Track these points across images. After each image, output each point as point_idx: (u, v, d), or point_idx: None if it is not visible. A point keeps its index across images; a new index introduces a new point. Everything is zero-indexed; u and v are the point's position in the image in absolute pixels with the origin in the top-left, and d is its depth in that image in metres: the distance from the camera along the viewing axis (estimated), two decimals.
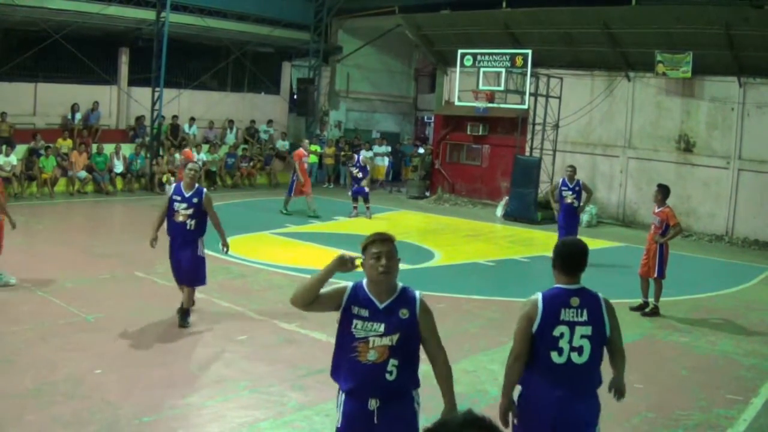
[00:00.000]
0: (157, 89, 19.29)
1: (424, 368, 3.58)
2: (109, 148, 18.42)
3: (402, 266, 3.62)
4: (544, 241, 14.11)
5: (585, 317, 3.78)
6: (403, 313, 3.47)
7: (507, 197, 18.78)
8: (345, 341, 3.49)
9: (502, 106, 18.39)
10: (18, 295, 8.45)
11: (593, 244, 14.64)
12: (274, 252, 12.16)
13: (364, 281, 3.55)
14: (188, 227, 7.66)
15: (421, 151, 23.84)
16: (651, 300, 9.36)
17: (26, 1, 16.68)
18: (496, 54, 17.82)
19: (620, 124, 18.42)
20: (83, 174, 17.85)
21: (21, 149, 16.85)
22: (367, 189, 16.45)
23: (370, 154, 22.25)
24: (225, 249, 8.00)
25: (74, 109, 18.97)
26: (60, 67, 18.92)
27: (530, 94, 17.95)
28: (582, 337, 3.76)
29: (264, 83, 23.55)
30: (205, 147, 20.43)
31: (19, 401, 5.49)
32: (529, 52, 17.39)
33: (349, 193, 16.98)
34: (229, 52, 22.14)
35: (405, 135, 26.84)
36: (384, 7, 21.70)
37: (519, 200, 18.00)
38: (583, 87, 18.86)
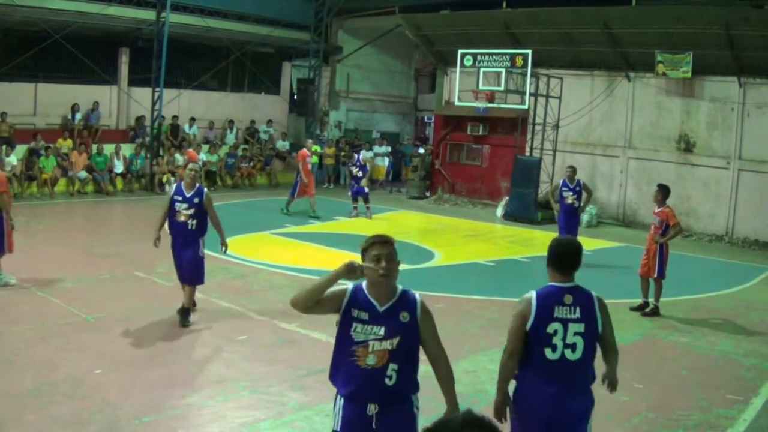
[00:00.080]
0: (157, 89, 19.29)
1: (424, 368, 3.58)
2: (109, 149, 18.42)
3: (402, 266, 3.61)
4: (544, 241, 14.01)
5: (578, 314, 3.85)
6: (404, 316, 3.44)
7: (507, 197, 18.78)
8: (344, 345, 3.45)
9: (502, 106, 18.40)
10: (18, 295, 8.45)
11: (593, 244, 14.69)
12: (274, 252, 12.16)
13: (364, 284, 3.52)
14: (190, 227, 7.73)
15: (421, 151, 23.85)
16: (651, 300, 9.36)
17: (26, 1, 16.68)
18: (496, 54, 17.83)
19: (620, 124, 18.42)
20: (83, 174, 17.85)
21: (21, 149, 16.84)
22: (366, 189, 16.46)
23: (370, 154, 22.25)
24: (224, 249, 8.06)
25: (74, 109, 18.97)
26: (60, 67, 18.92)
27: (530, 94, 17.95)
28: (575, 334, 3.83)
29: (264, 83, 23.55)
30: (205, 147, 20.43)
31: (19, 401, 5.49)
32: (529, 52, 17.40)
33: (349, 194, 16.97)
34: (229, 52, 22.14)
35: (405, 135, 26.84)
36: (384, 7, 21.70)
37: (519, 200, 18.01)
38: (583, 87, 18.86)
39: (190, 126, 21.18)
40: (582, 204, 12.19)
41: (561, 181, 12.38)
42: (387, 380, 3.39)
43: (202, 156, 19.61)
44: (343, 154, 23.19)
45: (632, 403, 6.26)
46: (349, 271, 3.40)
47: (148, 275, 9.73)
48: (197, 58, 21.79)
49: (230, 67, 22.81)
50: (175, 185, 8.10)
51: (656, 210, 9.56)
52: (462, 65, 18.44)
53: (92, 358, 6.51)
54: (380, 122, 26.62)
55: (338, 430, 3.48)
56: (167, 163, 19.33)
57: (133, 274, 9.81)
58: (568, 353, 3.82)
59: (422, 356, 3.59)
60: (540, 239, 14.95)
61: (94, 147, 18.33)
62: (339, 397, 3.50)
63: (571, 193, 12.04)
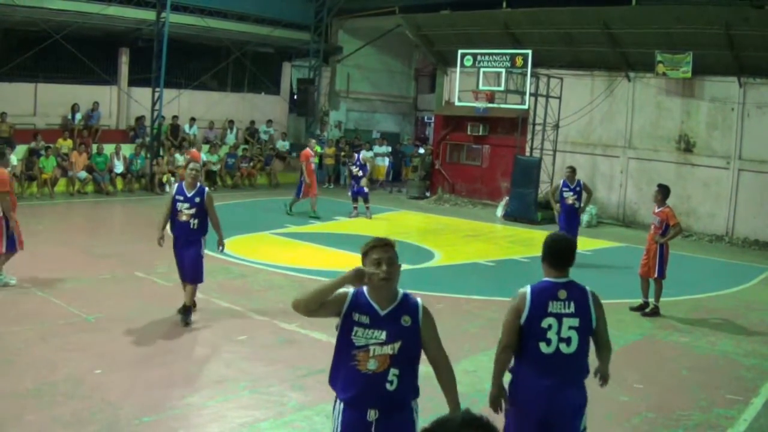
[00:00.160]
0: (157, 89, 19.30)
1: (424, 369, 3.57)
2: (109, 149, 18.43)
3: (402, 267, 3.60)
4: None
5: (572, 309, 3.93)
6: (405, 320, 3.42)
7: (507, 197, 18.78)
8: (344, 349, 3.42)
9: (502, 106, 18.39)
10: (18, 295, 8.45)
11: (593, 244, 14.71)
12: (274, 252, 12.16)
13: (365, 287, 3.50)
14: (192, 226, 7.78)
15: (422, 151, 23.85)
16: (651, 300, 9.36)
17: (26, 1, 16.69)
18: (496, 54, 17.83)
19: (620, 125, 18.42)
20: (83, 174, 17.86)
21: (21, 149, 16.84)
22: (366, 189, 16.46)
23: (370, 154, 22.25)
24: (221, 248, 8.12)
25: (74, 109, 18.98)
26: (60, 67, 18.92)
27: (530, 94, 17.95)
28: (570, 328, 3.91)
29: (264, 83, 23.55)
30: (206, 147, 20.44)
31: (19, 401, 5.49)
32: (529, 52, 17.40)
33: (349, 194, 16.97)
34: (229, 53, 22.14)
35: (405, 135, 26.85)
36: (384, 7, 21.70)
37: (519, 200, 18.01)
38: (583, 87, 18.86)
39: (190, 126, 21.18)
40: (582, 204, 12.20)
41: (561, 181, 12.38)
42: (388, 385, 3.36)
43: (203, 156, 19.60)
44: (343, 154, 23.19)
45: (632, 403, 6.27)
46: (357, 277, 3.36)
47: (148, 275, 9.73)
48: (197, 58, 21.80)
49: (230, 67, 22.81)
50: (176, 185, 8.14)
51: (656, 210, 9.56)
52: (462, 65, 18.44)
53: (92, 358, 6.51)
54: (380, 122, 26.63)
55: None
56: (167, 164, 19.33)
57: (133, 274, 9.81)
58: (563, 347, 3.90)
59: (422, 357, 3.58)
60: (540, 239, 14.81)
61: (94, 147, 18.33)
62: (338, 401, 3.46)
63: (571, 194, 12.03)
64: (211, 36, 20.63)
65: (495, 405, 4.02)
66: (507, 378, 4.10)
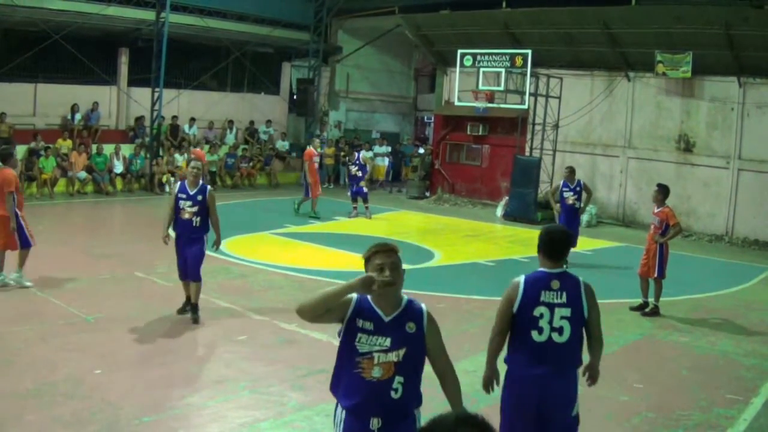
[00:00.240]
0: (157, 89, 19.29)
1: (426, 369, 3.55)
2: (108, 149, 18.43)
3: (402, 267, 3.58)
4: None
5: (564, 299, 4.02)
6: (410, 327, 3.35)
7: (507, 197, 18.78)
8: (347, 355, 3.35)
9: (502, 106, 18.40)
10: (18, 295, 8.45)
11: (593, 244, 14.71)
12: (274, 252, 12.16)
13: None
14: (194, 224, 7.84)
15: (421, 151, 23.84)
16: (651, 300, 9.36)
17: (26, 2, 16.69)
18: (495, 54, 17.82)
19: (620, 124, 18.42)
20: (83, 174, 17.85)
21: (21, 150, 16.81)
22: (365, 189, 16.46)
23: (370, 154, 22.25)
24: (216, 246, 8.16)
25: (74, 109, 18.97)
26: (60, 67, 18.91)
27: (530, 94, 17.96)
28: (562, 318, 4.01)
29: (264, 83, 23.55)
30: (205, 147, 20.41)
31: (19, 401, 5.49)
32: (529, 52, 17.40)
33: (349, 194, 16.96)
34: (228, 53, 22.14)
35: (405, 135, 26.85)
36: (384, 7, 21.70)
37: (519, 200, 18.01)
38: (583, 87, 18.86)
39: (190, 126, 21.18)
40: (582, 204, 12.20)
41: (561, 181, 12.38)
42: (393, 393, 3.29)
43: None
44: (343, 153, 23.19)
45: (632, 403, 6.27)
46: (366, 285, 3.25)
47: (148, 275, 9.73)
48: (197, 58, 21.79)
49: (230, 67, 22.81)
50: (178, 183, 8.16)
51: (656, 210, 9.55)
52: (462, 65, 18.44)
53: (92, 358, 6.51)
54: (380, 122, 26.63)
55: None
56: (167, 164, 19.33)
57: (133, 274, 9.81)
58: (555, 336, 4.00)
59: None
60: None
61: (94, 147, 18.33)
62: (341, 409, 3.39)
63: (571, 194, 12.04)
64: (211, 36, 20.63)
65: (487, 386, 4.21)
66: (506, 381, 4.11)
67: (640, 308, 9.42)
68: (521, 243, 14.76)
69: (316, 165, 16.52)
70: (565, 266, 4.23)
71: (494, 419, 4.13)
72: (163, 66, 18.93)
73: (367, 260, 3.37)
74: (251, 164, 21.45)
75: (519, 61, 17.45)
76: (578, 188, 12.07)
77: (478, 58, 18.02)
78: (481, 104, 18.54)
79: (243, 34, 21.55)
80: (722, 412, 6.19)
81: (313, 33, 22.91)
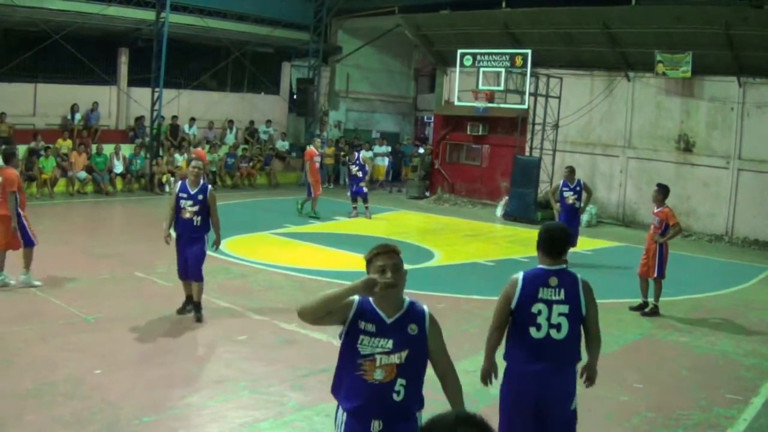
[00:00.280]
0: (157, 89, 19.29)
1: (427, 372, 3.54)
2: (108, 149, 18.43)
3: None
4: None
5: (562, 296, 4.05)
6: (412, 329, 3.33)
7: (507, 197, 18.79)
8: (349, 358, 3.33)
9: (502, 106, 18.40)
10: (18, 295, 8.46)
11: (593, 243, 14.71)
12: (274, 252, 12.16)
13: None
14: (195, 224, 7.86)
15: (421, 151, 23.85)
16: (650, 300, 9.36)
17: (26, 2, 16.69)
18: (495, 54, 17.83)
19: (620, 124, 18.42)
20: (83, 174, 17.86)
21: (21, 150, 16.79)
22: (365, 189, 16.46)
23: (370, 154, 22.25)
24: (215, 246, 8.16)
25: (74, 109, 18.97)
26: (60, 67, 18.91)
27: (530, 94, 17.96)
28: (560, 315, 4.03)
29: (263, 83, 23.54)
30: (206, 147, 20.41)
31: (19, 401, 5.49)
32: (529, 52, 17.40)
33: (348, 194, 16.96)
34: (228, 53, 22.13)
35: (405, 135, 26.85)
36: (384, 7, 21.70)
37: (519, 200, 18.02)
38: (582, 87, 18.87)
39: (190, 126, 21.18)
40: (583, 204, 12.20)
41: (561, 181, 12.39)
42: (395, 396, 3.27)
43: None
44: (342, 153, 23.19)
45: (632, 402, 6.27)
46: (368, 287, 3.22)
47: (148, 275, 9.74)
48: (197, 58, 21.79)
49: (230, 67, 22.80)
50: (179, 183, 8.17)
51: (656, 210, 9.55)
52: (461, 65, 18.44)
53: (92, 358, 6.51)
54: (380, 122, 26.63)
55: None
56: (167, 164, 19.33)
57: (133, 274, 9.81)
58: (553, 333, 4.03)
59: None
60: None
61: (94, 147, 18.32)
62: (342, 411, 3.37)
63: (571, 193, 12.05)
64: (211, 36, 20.62)
65: (485, 378, 4.28)
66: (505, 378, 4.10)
67: (640, 308, 9.42)
68: (521, 243, 14.76)
69: (317, 165, 16.51)
70: (565, 266, 4.24)
71: (493, 419, 4.15)
72: (163, 66, 18.93)
73: (369, 262, 3.35)
74: (251, 164, 21.45)
75: (519, 61, 17.45)
76: (578, 188, 12.08)
77: (478, 58, 18.02)
78: (480, 104, 18.53)
79: (243, 34, 21.55)
80: (722, 411, 6.19)
81: (313, 33, 22.91)
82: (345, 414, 3.34)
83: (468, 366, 6.75)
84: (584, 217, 15.92)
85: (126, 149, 18.88)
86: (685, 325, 8.97)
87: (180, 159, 19.18)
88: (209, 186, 8.06)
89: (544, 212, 16.92)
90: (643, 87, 17.92)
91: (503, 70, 17.60)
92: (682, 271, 11.47)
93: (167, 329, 7.60)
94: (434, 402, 3.56)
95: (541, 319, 4.02)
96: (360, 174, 16.42)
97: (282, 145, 23.06)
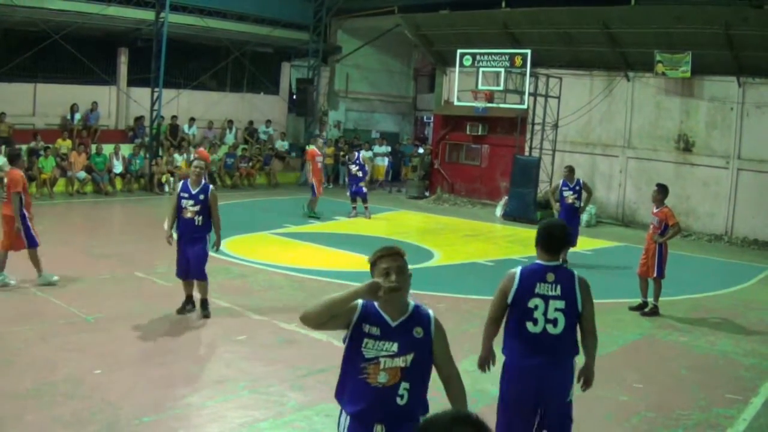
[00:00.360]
0: (157, 89, 19.29)
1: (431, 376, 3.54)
2: (108, 149, 18.43)
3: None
4: None
5: (558, 292, 4.11)
6: (417, 332, 3.32)
7: (506, 197, 18.79)
8: (353, 361, 3.31)
9: (502, 106, 18.39)
10: (18, 295, 8.46)
11: (593, 243, 14.71)
12: (274, 252, 12.16)
13: None
14: (196, 223, 7.88)
15: (421, 151, 23.84)
16: (650, 300, 9.36)
17: (26, 1, 16.68)
18: (495, 54, 17.83)
19: (619, 124, 18.43)
20: (82, 174, 17.85)
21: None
22: (365, 189, 16.46)
23: (369, 154, 22.26)
24: (216, 247, 8.17)
25: (73, 109, 18.97)
26: (59, 67, 18.90)
27: (529, 94, 17.95)
28: (556, 310, 4.10)
29: (263, 83, 23.54)
30: (207, 148, 20.40)
31: (19, 401, 5.49)
32: (529, 52, 17.40)
33: (348, 194, 16.96)
34: (228, 53, 22.13)
35: (404, 135, 26.84)
36: (383, 7, 21.70)
37: (518, 200, 18.02)
38: (582, 87, 18.87)
39: (190, 126, 21.18)
40: (582, 204, 12.21)
41: (561, 181, 12.39)
42: (398, 399, 3.25)
43: None
44: (342, 153, 23.19)
45: (632, 402, 6.28)
46: (372, 291, 3.19)
47: (148, 275, 9.74)
48: (196, 58, 21.79)
49: (229, 67, 22.80)
50: (181, 182, 8.17)
51: (655, 210, 9.55)
52: (461, 65, 18.44)
53: (92, 358, 6.51)
54: (379, 122, 26.63)
55: None
56: (166, 164, 19.33)
57: (133, 274, 9.82)
58: (549, 328, 4.10)
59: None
60: None
61: (93, 147, 18.33)
62: (345, 416, 3.35)
63: (571, 193, 12.05)
64: (210, 36, 20.62)
65: (483, 365, 4.41)
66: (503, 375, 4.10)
67: (640, 308, 9.43)
68: (521, 243, 14.76)
69: (319, 165, 16.50)
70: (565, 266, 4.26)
71: (491, 419, 4.16)
72: (162, 66, 18.93)
73: (373, 264, 3.32)
74: (250, 164, 21.45)
75: (518, 61, 17.45)
76: (578, 187, 12.09)
77: (478, 58, 18.02)
78: (480, 104, 18.52)
79: (243, 34, 21.55)
80: (722, 411, 6.19)
81: (313, 33, 22.91)
82: (348, 418, 3.32)
83: (468, 366, 6.73)
84: (584, 217, 15.92)
85: (125, 149, 18.88)
86: (684, 325, 8.97)
87: (179, 159, 19.18)
88: (211, 186, 8.08)
89: (544, 212, 16.90)
90: (643, 87, 17.93)
91: (503, 70, 17.60)
92: (681, 271, 11.47)
93: (167, 329, 7.60)
94: (434, 402, 3.57)
95: (538, 314, 4.09)
96: (360, 174, 16.42)
97: (281, 145, 23.06)
